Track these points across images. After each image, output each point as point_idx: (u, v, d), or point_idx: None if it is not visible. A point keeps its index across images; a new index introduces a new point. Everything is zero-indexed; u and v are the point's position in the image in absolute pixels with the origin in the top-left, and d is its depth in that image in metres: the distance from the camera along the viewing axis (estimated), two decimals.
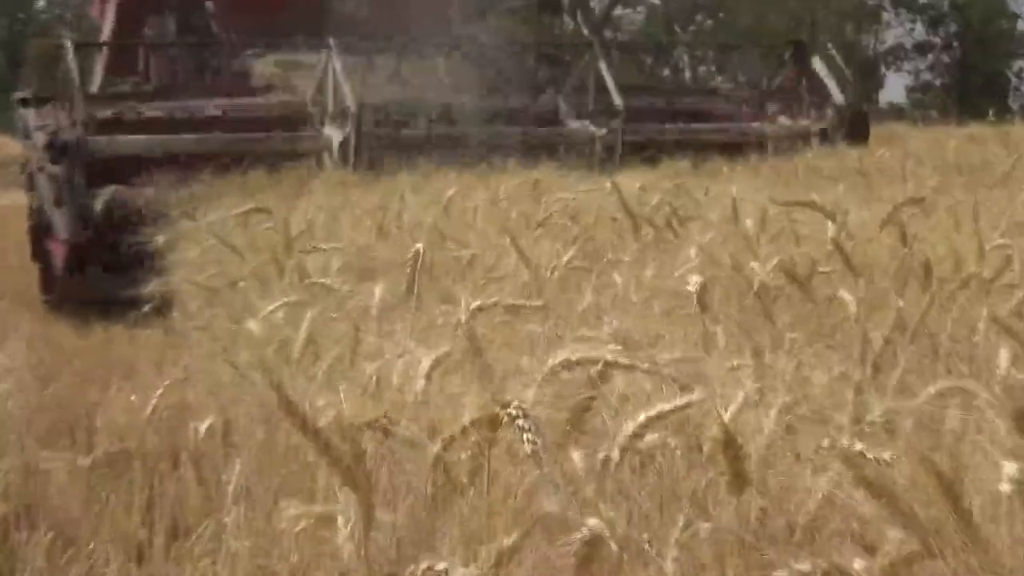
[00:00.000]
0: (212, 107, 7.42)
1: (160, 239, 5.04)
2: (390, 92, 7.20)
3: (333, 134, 6.84)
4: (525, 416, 1.32)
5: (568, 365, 1.53)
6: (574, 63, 7.93)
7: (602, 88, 7.45)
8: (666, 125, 7.67)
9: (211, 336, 3.03)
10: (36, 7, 36.49)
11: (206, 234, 4.56)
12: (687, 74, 22.48)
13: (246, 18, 8.18)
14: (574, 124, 7.47)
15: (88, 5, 10.42)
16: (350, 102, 6.67)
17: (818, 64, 8.02)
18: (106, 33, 9.47)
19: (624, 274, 2.68)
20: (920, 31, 33.56)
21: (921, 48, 33.70)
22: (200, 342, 3.18)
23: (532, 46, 8.64)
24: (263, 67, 8.10)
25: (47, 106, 7.57)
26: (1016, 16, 32.83)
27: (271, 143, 6.93)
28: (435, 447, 1.45)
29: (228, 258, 4.06)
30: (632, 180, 4.25)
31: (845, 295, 2.27)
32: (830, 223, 2.85)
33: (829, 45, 8.78)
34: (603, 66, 7.48)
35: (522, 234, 3.20)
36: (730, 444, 1.30)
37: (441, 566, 1.21)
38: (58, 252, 7.33)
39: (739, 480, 1.31)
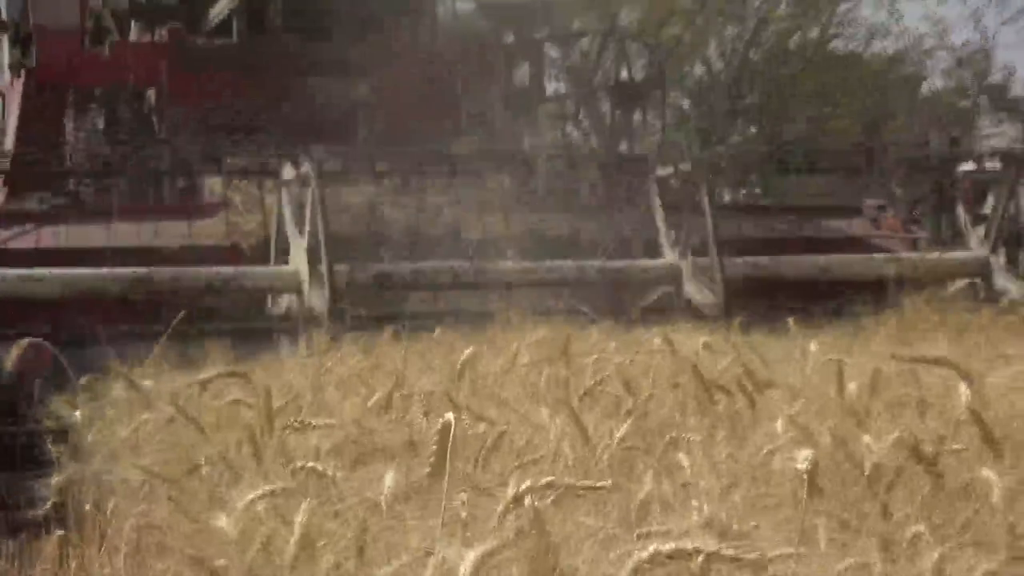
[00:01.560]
0: (139, 234, 7.54)
1: (66, 416, 5.31)
2: (391, 220, 7.29)
3: (296, 253, 6.75)
4: None
5: (658, 559, 1.70)
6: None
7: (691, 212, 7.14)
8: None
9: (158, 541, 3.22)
10: None
11: (140, 407, 4.81)
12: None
13: (199, 111, 8.68)
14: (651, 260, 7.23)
15: None
16: (323, 248, 6.54)
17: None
18: (9, 134, 9.99)
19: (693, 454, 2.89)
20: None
21: None
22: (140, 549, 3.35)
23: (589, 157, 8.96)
24: (219, 181, 8.43)
25: None
26: None
27: (214, 282, 6.65)
28: None
29: (178, 438, 4.30)
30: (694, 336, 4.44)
31: (988, 474, 2.43)
32: (963, 387, 3.03)
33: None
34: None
35: (560, 406, 3.41)
36: None
37: None
38: None
39: None
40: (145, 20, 9.24)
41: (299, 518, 2.44)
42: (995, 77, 32.18)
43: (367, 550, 2.36)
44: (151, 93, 9.25)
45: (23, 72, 10.00)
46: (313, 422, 3.38)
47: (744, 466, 2.79)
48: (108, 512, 4.08)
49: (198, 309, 5.87)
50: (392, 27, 9.22)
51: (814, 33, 30.59)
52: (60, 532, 4.56)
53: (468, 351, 4.29)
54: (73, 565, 4.39)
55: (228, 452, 3.54)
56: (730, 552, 1.70)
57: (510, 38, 9.31)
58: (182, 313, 5.56)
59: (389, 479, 2.61)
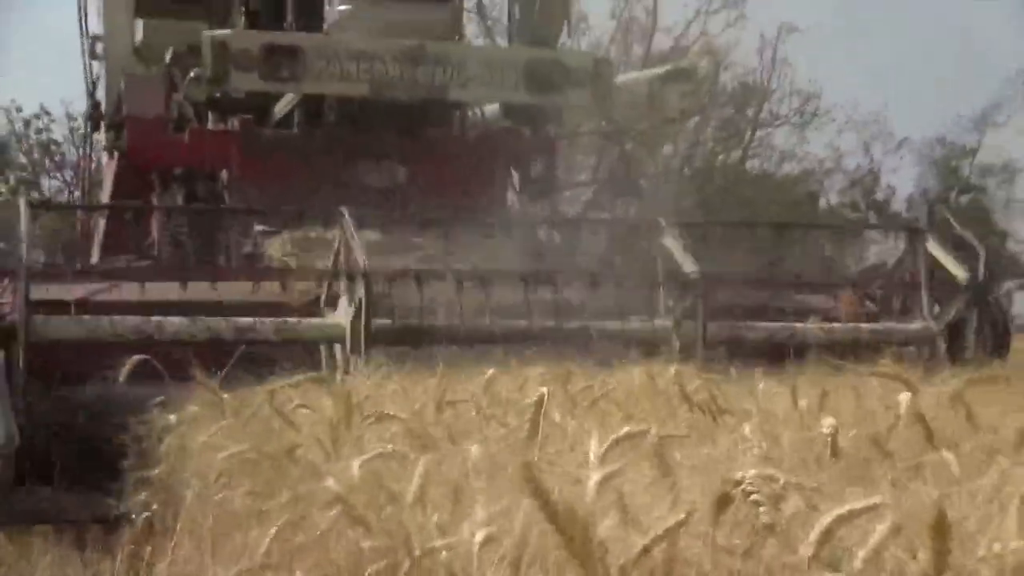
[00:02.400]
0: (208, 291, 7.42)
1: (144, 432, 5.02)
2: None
3: (346, 312, 6.78)
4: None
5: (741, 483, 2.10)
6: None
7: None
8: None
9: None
10: None
11: (218, 415, 5.12)
12: None
13: (263, 190, 8.84)
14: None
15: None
16: (360, 264, 6.65)
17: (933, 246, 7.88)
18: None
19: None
20: None
21: None
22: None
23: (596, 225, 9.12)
24: (277, 246, 8.44)
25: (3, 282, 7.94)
26: None
27: (262, 330, 6.74)
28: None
29: (258, 434, 4.68)
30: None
31: (946, 455, 2.76)
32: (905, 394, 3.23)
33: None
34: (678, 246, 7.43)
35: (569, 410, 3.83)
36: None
37: None
38: None
39: None
40: (219, 112, 9.31)
41: (418, 469, 2.88)
42: (879, 195, 33.65)
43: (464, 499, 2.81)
44: (223, 174, 9.38)
45: (116, 153, 10.42)
46: (390, 411, 3.81)
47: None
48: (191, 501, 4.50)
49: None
50: (427, 123, 9.45)
51: (736, 155, 31.75)
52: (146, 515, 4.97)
53: (489, 373, 4.64)
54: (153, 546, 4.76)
55: (313, 440, 3.98)
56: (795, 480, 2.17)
57: (527, 134, 9.46)
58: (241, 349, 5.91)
59: (475, 450, 3.07)
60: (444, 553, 2.66)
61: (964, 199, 33.58)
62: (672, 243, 7.28)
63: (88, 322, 6.74)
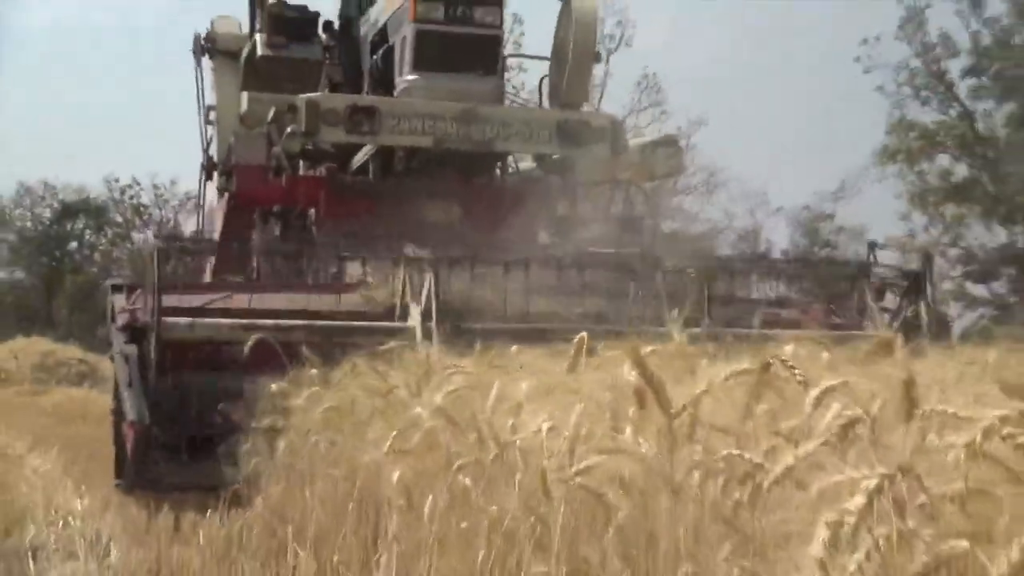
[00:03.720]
0: (302, 302, 7.60)
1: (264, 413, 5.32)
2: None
3: (414, 316, 6.98)
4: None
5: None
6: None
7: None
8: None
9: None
10: (68, 248, 39.86)
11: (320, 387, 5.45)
12: None
13: (345, 225, 9.06)
14: None
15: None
16: (425, 256, 6.89)
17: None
18: (216, 234, 10.76)
19: None
20: None
21: None
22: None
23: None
24: (355, 268, 8.58)
25: (135, 293, 7.87)
26: None
27: (359, 332, 6.78)
28: None
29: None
30: None
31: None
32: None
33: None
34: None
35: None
36: None
37: None
38: (128, 436, 7.20)
39: None
40: (310, 160, 9.61)
41: (492, 392, 3.34)
42: (762, 248, 34.85)
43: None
44: (312, 212, 9.62)
45: (227, 194, 10.89)
46: (461, 366, 4.21)
47: None
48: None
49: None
50: (476, 172, 9.84)
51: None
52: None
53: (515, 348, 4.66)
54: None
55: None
56: None
57: (557, 181, 9.75)
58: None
59: (524, 385, 3.51)
60: (519, 443, 3.08)
61: (823, 252, 34.47)
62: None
63: (206, 324, 7.00)
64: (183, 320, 6.98)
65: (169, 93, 60.28)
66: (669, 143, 10.76)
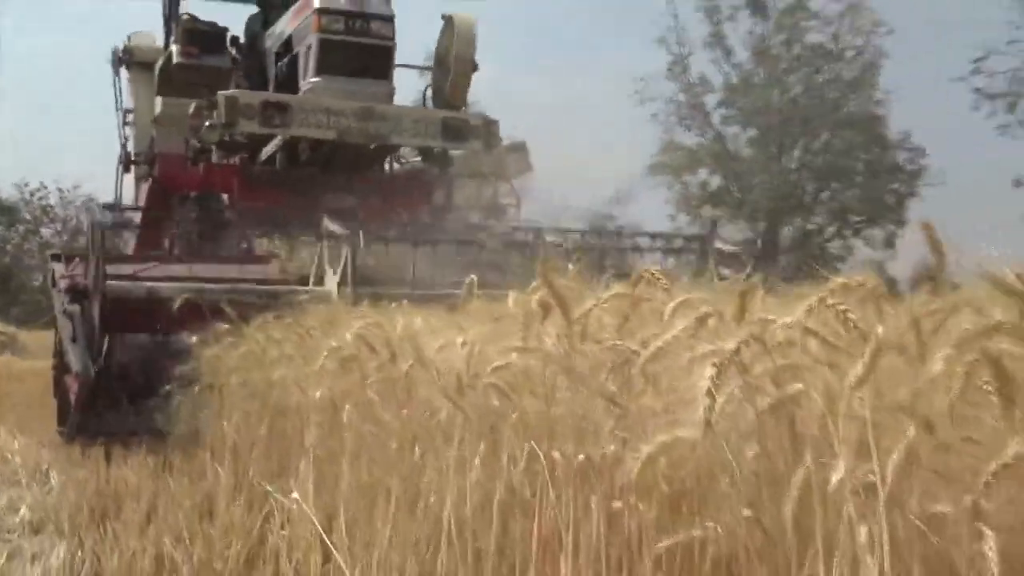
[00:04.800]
0: (222, 270, 7.58)
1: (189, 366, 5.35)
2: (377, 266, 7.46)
3: (331, 281, 6.93)
4: None
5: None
6: None
7: None
8: None
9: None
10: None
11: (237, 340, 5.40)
12: None
13: (256, 209, 9.16)
14: None
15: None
16: (340, 230, 6.92)
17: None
18: (137, 216, 10.67)
19: None
20: None
21: None
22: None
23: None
24: (263, 244, 8.86)
25: (73, 262, 8.10)
26: None
27: (285, 294, 6.51)
28: None
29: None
30: None
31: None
32: None
33: None
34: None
35: None
36: None
37: None
38: (72, 387, 7.17)
39: None
40: (224, 151, 9.55)
41: (398, 325, 3.52)
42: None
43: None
44: (225, 196, 9.72)
45: (150, 179, 10.79)
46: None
47: None
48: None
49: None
50: (369, 164, 9.91)
51: None
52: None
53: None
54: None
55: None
56: None
57: (437, 173, 9.86)
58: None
59: (419, 320, 3.69)
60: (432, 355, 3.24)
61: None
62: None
63: (145, 285, 6.90)
64: (127, 283, 6.91)
65: (76, 108, 59.69)
66: (518, 148, 10.99)
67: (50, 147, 57.95)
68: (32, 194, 40.87)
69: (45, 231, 40.80)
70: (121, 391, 6.87)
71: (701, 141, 33.66)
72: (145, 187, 10.87)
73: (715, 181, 33.69)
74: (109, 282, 6.77)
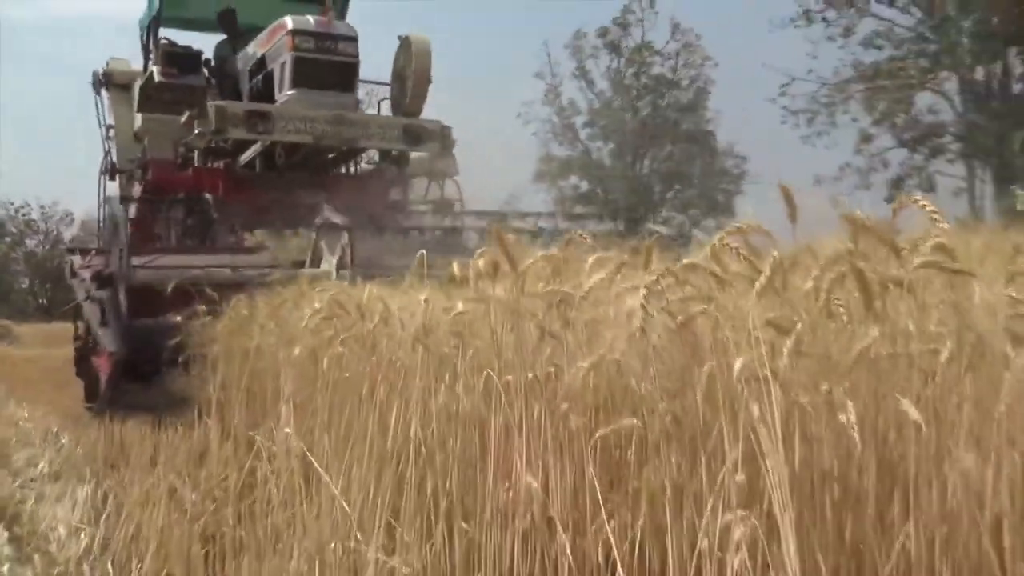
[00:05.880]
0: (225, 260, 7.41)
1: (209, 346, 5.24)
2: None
3: (329, 263, 6.88)
4: None
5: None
6: None
7: None
8: None
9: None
10: None
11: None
12: None
13: (238, 207, 9.15)
14: None
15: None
16: (341, 221, 6.87)
17: None
18: (131, 213, 10.52)
19: None
20: None
21: None
22: None
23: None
24: (249, 238, 8.82)
25: (89, 254, 8.19)
26: None
27: (292, 276, 6.11)
28: None
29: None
30: None
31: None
32: None
33: None
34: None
35: None
36: None
37: None
38: (103, 366, 7.02)
39: None
40: (211, 156, 9.54)
41: (366, 292, 3.60)
42: None
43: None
44: (210, 197, 9.52)
45: (143, 183, 10.69)
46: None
47: None
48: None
49: None
50: (336, 165, 9.94)
51: None
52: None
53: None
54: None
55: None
56: None
57: (394, 172, 9.88)
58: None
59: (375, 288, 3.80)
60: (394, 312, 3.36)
61: None
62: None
63: (171, 272, 6.58)
64: (151, 271, 6.81)
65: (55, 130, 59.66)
66: (448, 155, 10.90)
67: (33, 168, 58.04)
68: (17, 210, 41.72)
69: (29, 242, 42.02)
70: (150, 368, 6.57)
71: (572, 154, 37.33)
72: (138, 188, 10.76)
73: (584, 185, 37.14)
74: (138, 269, 6.70)
